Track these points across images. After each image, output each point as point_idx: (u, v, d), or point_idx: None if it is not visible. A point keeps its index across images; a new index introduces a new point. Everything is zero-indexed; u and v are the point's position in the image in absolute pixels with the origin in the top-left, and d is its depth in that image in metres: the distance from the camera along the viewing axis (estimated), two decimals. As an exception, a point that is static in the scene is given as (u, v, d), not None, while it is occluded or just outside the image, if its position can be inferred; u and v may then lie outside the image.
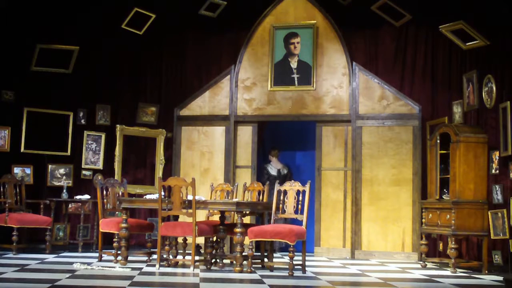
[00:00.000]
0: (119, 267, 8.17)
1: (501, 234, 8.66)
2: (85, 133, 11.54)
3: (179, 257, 9.06)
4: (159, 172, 11.68)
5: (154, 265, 8.32)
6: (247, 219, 10.09)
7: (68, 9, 11.25)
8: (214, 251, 8.57)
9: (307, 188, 8.27)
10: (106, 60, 11.61)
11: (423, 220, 9.75)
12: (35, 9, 11.11)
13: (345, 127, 11.07)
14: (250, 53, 11.51)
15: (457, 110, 10.11)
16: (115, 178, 10.84)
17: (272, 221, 8.46)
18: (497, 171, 8.99)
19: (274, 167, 11.88)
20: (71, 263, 8.31)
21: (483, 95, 9.35)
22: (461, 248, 9.60)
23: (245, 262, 8.19)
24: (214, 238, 8.62)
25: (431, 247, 10.14)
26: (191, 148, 11.54)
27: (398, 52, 11.22)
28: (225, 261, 8.72)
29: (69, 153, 11.43)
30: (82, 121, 11.60)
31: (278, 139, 12.55)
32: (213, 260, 8.48)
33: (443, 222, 9.17)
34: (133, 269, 7.99)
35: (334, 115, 11.11)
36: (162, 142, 11.78)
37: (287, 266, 7.98)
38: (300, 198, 8.34)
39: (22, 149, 11.16)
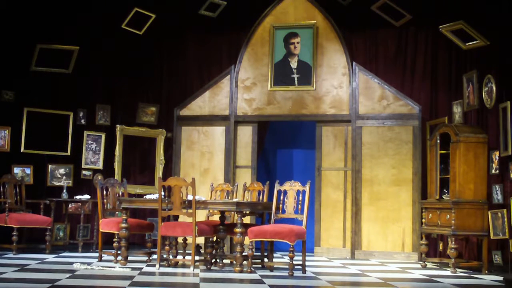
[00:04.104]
0: (119, 267, 8.16)
1: (500, 234, 8.66)
2: (85, 133, 11.55)
3: (179, 257, 9.06)
4: (159, 172, 11.68)
5: (154, 265, 8.32)
6: (247, 219, 10.09)
7: (68, 9, 11.25)
8: (214, 251, 8.57)
9: (307, 188, 8.27)
10: (106, 60, 11.61)
11: (423, 220, 9.75)
12: (35, 9, 11.11)
13: (345, 127, 11.07)
14: (250, 53, 11.51)
15: (457, 110, 10.11)
16: (115, 178, 10.84)
17: (272, 221, 8.46)
18: (497, 171, 8.98)
19: None
20: (71, 263, 8.31)
21: (483, 95, 9.35)
22: (461, 248, 9.60)
23: (245, 262, 8.19)
24: (214, 238, 8.62)
25: (431, 247, 10.14)
26: (191, 148, 11.53)
27: (398, 52, 11.22)
28: (225, 261, 8.73)
29: (69, 153, 11.43)
30: (82, 121, 11.60)
31: (278, 139, 12.54)
32: (213, 260, 8.48)
33: (443, 222, 9.17)
34: (133, 269, 7.99)
35: (334, 115, 11.11)
36: (162, 142, 11.78)
37: (287, 266, 7.97)
38: (300, 198, 8.33)
39: (22, 149, 11.16)
